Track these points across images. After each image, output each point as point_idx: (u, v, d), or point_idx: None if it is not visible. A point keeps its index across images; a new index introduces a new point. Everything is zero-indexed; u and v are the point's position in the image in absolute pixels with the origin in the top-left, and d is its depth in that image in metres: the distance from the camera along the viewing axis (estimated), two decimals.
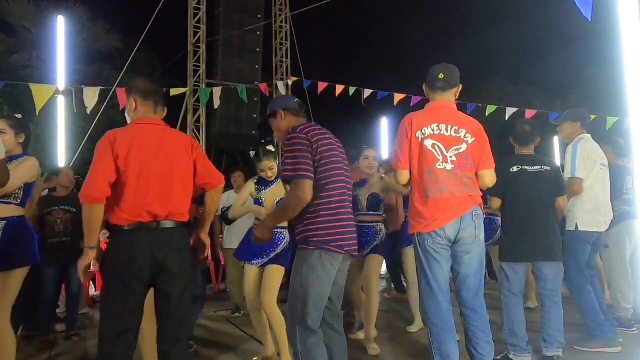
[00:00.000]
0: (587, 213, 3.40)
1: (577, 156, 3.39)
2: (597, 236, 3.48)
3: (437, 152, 2.47)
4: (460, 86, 2.65)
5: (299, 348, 2.15)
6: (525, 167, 3.09)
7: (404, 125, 2.55)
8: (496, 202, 3.22)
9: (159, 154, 2.16)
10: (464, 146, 2.50)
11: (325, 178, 2.18)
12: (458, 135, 2.51)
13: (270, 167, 3.29)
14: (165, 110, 2.39)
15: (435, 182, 2.44)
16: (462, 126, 2.52)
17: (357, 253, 2.32)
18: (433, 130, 2.49)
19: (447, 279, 2.49)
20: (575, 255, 3.40)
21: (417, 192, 2.50)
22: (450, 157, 2.47)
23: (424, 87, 2.68)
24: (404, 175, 2.55)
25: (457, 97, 2.65)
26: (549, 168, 3.17)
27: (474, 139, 2.53)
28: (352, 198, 2.35)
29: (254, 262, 3.22)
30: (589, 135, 3.55)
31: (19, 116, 2.81)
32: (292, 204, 2.15)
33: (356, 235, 2.30)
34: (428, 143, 2.47)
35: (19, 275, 2.59)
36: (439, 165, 2.46)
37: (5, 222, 2.56)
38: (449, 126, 2.50)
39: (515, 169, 3.07)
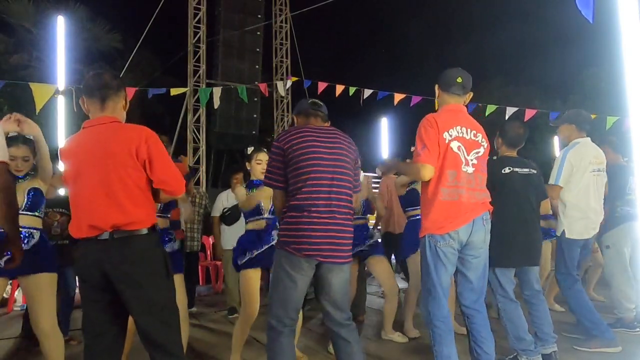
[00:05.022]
0: (576, 221, 3.40)
1: (564, 164, 3.39)
2: (584, 241, 3.48)
3: (461, 154, 2.49)
4: (471, 94, 2.68)
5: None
6: (516, 169, 3.02)
7: (429, 124, 2.48)
8: None
9: (92, 162, 1.94)
10: (482, 150, 2.59)
11: (296, 182, 2.19)
12: (476, 139, 2.57)
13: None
14: (121, 101, 2.09)
15: (455, 185, 2.45)
16: (478, 130, 2.60)
17: (325, 259, 2.15)
18: (457, 132, 2.51)
19: (449, 283, 2.53)
20: (564, 258, 3.43)
21: (434, 194, 2.47)
22: (471, 160, 2.52)
23: (435, 88, 2.66)
24: (431, 172, 2.44)
25: (466, 103, 2.66)
26: (535, 171, 3.13)
27: (487, 144, 2.62)
28: (343, 201, 2.24)
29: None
30: (587, 139, 3.50)
31: (32, 137, 2.75)
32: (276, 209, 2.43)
33: (333, 240, 2.16)
34: (454, 145, 2.48)
35: (55, 278, 2.79)
36: (463, 167, 2.48)
37: (39, 231, 2.78)
38: (469, 130, 2.55)
39: (507, 170, 2.99)
